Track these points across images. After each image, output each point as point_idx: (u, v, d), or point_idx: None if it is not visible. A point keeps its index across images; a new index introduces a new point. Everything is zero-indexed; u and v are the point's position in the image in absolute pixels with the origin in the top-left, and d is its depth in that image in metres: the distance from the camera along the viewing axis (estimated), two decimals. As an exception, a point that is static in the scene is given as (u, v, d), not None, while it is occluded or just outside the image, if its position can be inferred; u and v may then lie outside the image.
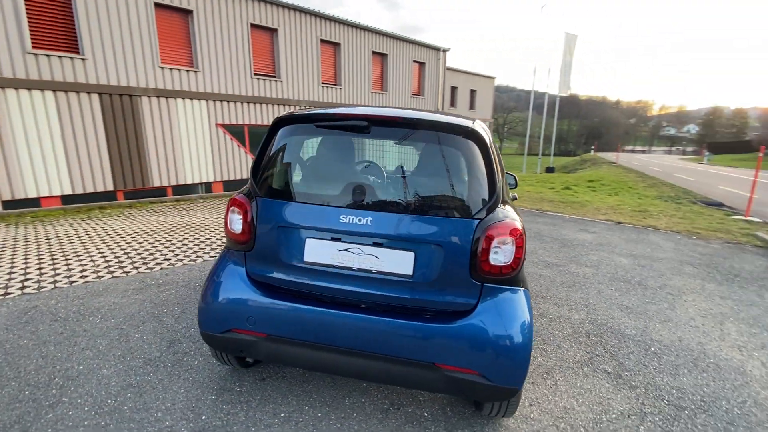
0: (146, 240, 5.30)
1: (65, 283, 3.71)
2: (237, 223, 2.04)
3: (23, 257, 4.53)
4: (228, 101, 10.97)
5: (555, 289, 4.06)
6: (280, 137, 2.07)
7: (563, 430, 2.08)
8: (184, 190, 10.51)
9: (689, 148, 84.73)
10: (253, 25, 11.19)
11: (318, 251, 1.92)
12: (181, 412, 2.07)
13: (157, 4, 9.24)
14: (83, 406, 2.08)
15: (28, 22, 7.64)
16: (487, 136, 1.96)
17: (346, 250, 1.88)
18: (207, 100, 10.53)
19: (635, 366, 2.71)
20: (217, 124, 10.86)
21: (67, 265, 4.24)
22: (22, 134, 7.79)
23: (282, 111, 12.34)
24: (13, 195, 7.82)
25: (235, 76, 10.98)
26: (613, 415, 2.20)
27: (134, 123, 9.28)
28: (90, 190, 8.82)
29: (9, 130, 7.62)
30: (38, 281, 3.76)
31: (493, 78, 26.22)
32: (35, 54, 7.73)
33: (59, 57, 8.04)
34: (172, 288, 3.64)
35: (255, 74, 11.48)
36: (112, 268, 4.14)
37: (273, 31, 11.79)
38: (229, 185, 11.42)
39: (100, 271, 4.05)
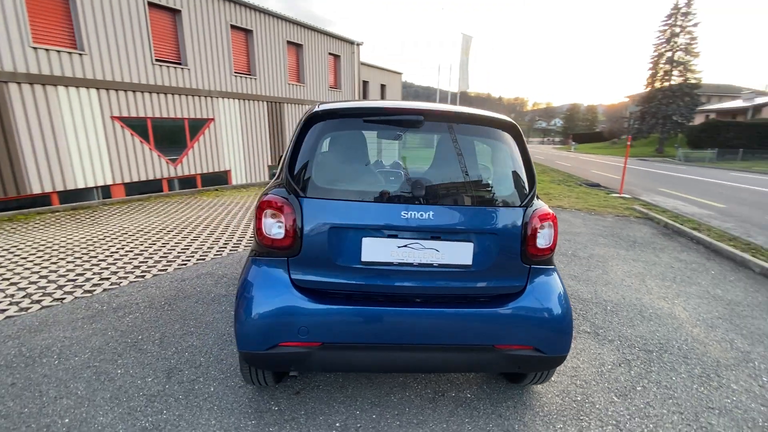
0: (62, 259, 4.35)
1: (-30, 323, 2.88)
2: (277, 227, 1.87)
3: None
4: (125, 90, 9.43)
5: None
6: (321, 132, 1.94)
7: (580, 385, 2.40)
8: (74, 197, 8.78)
9: (557, 139, 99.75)
10: (150, 4, 9.76)
11: (376, 250, 1.87)
12: (225, 444, 1.85)
13: (21, -32, 7.45)
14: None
15: None
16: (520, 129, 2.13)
17: (406, 246, 1.87)
18: (98, 88, 8.90)
19: (604, 323, 3.22)
20: (112, 117, 9.28)
21: (-42, 300, 3.28)
22: None
23: (191, 102, 11.10)
24: None
25: (132, 61, 9.47)
26: (609, 367, 2.62)
27: (0, 115, 7.41)
28: (-62, 202, 6.81)
29: None
30: (-76, 326, 2.84)
31: (401, 73, 27.24)
32: None
33: None
34: (133, 311, 3.10)
35: (156, 60, 10.07)
36: (35, 297, 3.33)
37: (175, 12, 10.45)
38: (133, 188, 9.91)
39: (20, 302, 3.22)
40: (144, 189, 10.14)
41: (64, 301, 3.27)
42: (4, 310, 3.07)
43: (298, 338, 1.82)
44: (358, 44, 17.56)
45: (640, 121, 35.80)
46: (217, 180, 12.21)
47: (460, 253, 1.90)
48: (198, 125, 11.49)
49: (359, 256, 1.87)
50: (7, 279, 3.73)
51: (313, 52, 15.39)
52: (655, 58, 34.50)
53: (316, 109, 1.96)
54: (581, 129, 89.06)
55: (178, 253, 4.67)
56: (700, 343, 2.95)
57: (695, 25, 32.32)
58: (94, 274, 3.91)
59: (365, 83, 23.06)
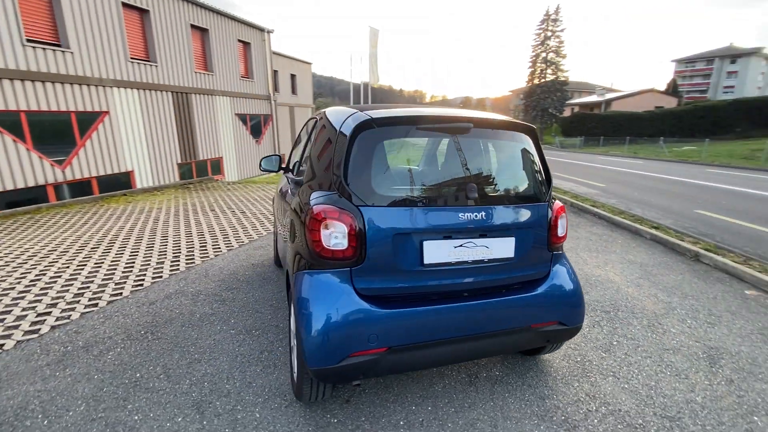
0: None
1: None
2: (338, 238, 1.84)
3: None
4: (-15, 77, 7.53)
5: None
6: (376, 138, 1.94)
7: (575, 349, 2.85)
8: None
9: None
10: (13, -31, 7.88)
11: (436, 252, 1.97)
12: (303, 466, 1.78)
13: None
14: None
15: None
16: None
17: (461, 245, 2.01)
18: (-55, 73, 6.95)
19: (567, 294, 3.80)
20: (-31, 111, 7.36)
21: None
22: None
23: (78, 92, 9.34)
24: None
25: (-9, 40, 7.58)
26: (587, 330, 3.13)
27: None
28: None
29: None
30: None
31: (310, 63, 26.52)
32: None
33: None
34: (110, 346, 2.64)
35: (28, 41, 8.21)
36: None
37: (48, -18, 8.61)
38: (5, 197, 8.04)
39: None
40: (23, 199, 8.30)
41: (3, 347, 2.63)
42: None
43: (368, 346, 1.84)
44: (268, 32, 16.60)
45: (524, 113, 40.91)
46: (118, 183, 10.56)
47: (505, 248, 2.10)
48: (89, 120, 9.75)
49: (421, 259, 1.94)
50: None
51: (221, 38, 14.11)
52: (533, 58, 39.69)
53: (369, 115, 1.95)
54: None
55: (124, 272, 4.04)
56: (638, 300, 3.69)
57: (562, 30, 38.05)
58: (24, 310, 3.18)
59: (274, 72, 21.92)
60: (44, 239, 5.30)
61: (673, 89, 51.65)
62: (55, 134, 9.02)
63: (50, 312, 3.15)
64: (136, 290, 3.61)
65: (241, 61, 15.56)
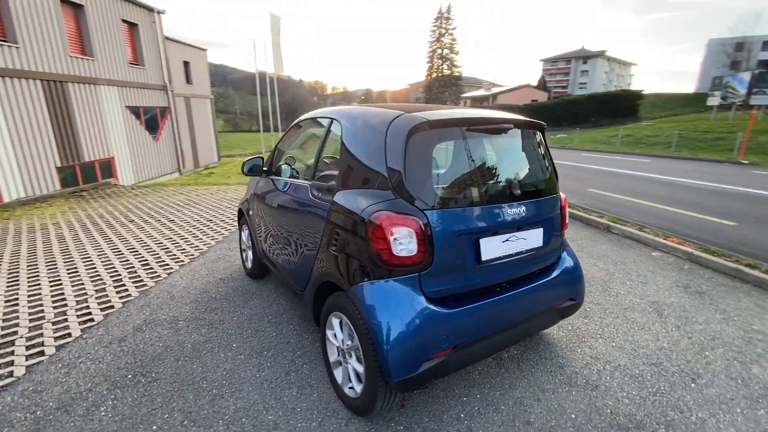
0: None
1: None
2: (408, 245, 1.83)
3: None
4: None
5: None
6: (431, 141, 1.93)
7: (569, 321, 3.25)
8: None
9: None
10: None
11: (490, 248, 2.07)
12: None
13: None
14: None
15: None
16: None
17: (507, 240, 2.14)
18: None
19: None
20: None
21: None
22: None
23: None
24: None
25: None
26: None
27: None
28: None
29: None
30: None
31: (205, 50, 24.03)
32: None
33: None
34: (97, 402, 2.13)
35: None
36: None
37: None
38: None
39: None
40: None
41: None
42: None
43: (440, 348, 1.87)
44: (159, 12, 14.53)
45: (426, 105, 43.41)
46: (-26, 196, 8.32)
47: (537, 238, 2.30)
48: None
49: (479, 256, 2.02)
50: None
51: (101, 16, 11.91)
52: (431, 54, 42.21)
53: (424, 117, 1.93)
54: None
55: (56, 307, 3.25)
56: (585, 270, 4.32)
57: (455, 28, 41.12)
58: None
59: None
60: None
61: (543, 85, 59.98)
62: None
63: (-25, 373, 2.41)
64: (90, 327, 2.96)
65: (129, 45, 13.34)
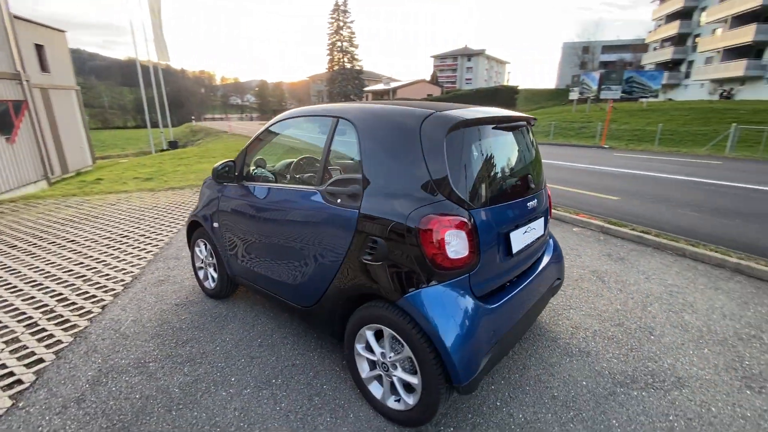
0: None
1: None
2: (461, 246, 1.83)
3: None
4: None
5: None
6: (468, 140, 1.92)
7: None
8: None
9: (254, 115, 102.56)
10: None
11: (517, 241, 2.18)
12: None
13: None
14: None
15: None
16: None
17: (525, 231, 2.27)
18: None
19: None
20: None
21: None
22: None
23: None
24: None
25: None
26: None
27: None
28: None
29: None
30: None
31: (64, 32, 19.87)
32: None
33: None
34: None
35: None
36: None
37: None
38: None
39: None
40: None
41: None
42: None
43: (490, 344, 1.92)
44: (-3, -19, 11.47)
45: (329, 99, 42.82)
46: None
47: (541, 227, 2.49)
48: None
49: (510, 249, 2.10)
50: None
51: None
52: (330, 46, 41.68)
53: (461, 116, 1.91)
54: (274, 105, 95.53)
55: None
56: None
57: (352, 22, 41.22)
58: None
59: (7, 41, 15.41)
60: None
61: (435, 80, 64.16)
62: None
63: None
64: (23, 392, 2.27)
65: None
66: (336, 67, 41.50)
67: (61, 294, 3.52)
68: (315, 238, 2.24)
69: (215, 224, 3.07)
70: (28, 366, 2.51)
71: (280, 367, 2.50)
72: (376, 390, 2.13)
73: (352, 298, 2.13)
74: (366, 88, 47.50)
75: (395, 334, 1.92)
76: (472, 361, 1.79)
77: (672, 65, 43.83)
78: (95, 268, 4.12)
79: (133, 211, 6.55)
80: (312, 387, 2.33)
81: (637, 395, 2.33)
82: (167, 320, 3.07)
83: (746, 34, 31.74)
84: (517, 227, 2.17)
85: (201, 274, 3.53)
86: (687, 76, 41.96)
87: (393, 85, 54.34)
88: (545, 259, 2.63)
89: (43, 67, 17.91)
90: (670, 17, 44.73)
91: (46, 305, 3.32)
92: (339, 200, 2.12)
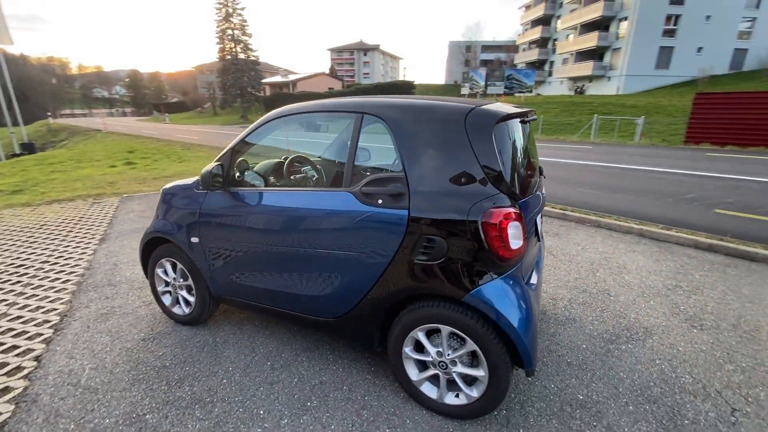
0: None
1: None
2: (518, 236, 1.92)
3: None
4: None
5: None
6: (507, 135, 1.99)
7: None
8: None
9: (128, 109, 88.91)
10: None
11: (539, 226, 2.34)
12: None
13: None
14: None
15: None
16: None
17: (532, 217, 2.45)
18: None
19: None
20: None
21: None
22: None
23: None
24: None
25: None
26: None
27: None
28: None
29: None
30: None
31: None
32: None
33: None
34: None
35: None
36: None
37: None
38: None
39: None
40: None
41: None
42: None
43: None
44: None
45: (223, 91, 39.34)
46: None
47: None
48: None
49: (539, 234, 2.27)
50: None
51: None
52: (220, 34, 38.08)
53: (505, 111, 1.97)
54: (152, 98, 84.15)
55: None
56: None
57: (243, 9, 38.20)
58: None
59: None
60: None
61: (335, 73, 63.80)
62: None
63: None
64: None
65: None
66: (228, 57, 38.16)
67: (-40, 352, 2.64)
68: (349, 243, 2.09)
69: (193, 239, 2.63)
70: (-40, 456, 1.85)
71: (308, 388, 2.29)
72: (429, 391, 2.11)
73: (398, 301, 2.06)
74: (264, 80, 44.85)
75: (455, 331, 1.92)
76: (535, 345, 1.90)
77: (538, 64, 50.93)
78: (21, 311, 3.18)
79: (16, 233, 5.19)
80: (353, 402, 2.19)
81: (626, 348, 2.73)
82: (142, 360, 2.55)
83: (591, 40, 38.48)
84: (537, 213, 2.34)
85: (167, 299, 2.99)
86: (550, 74, 49.24)
87: (292, 77, 52.37)
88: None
89: None
90: (534, 23, 51.78)
91: (-55, 370, 2.46)
92: (380, 201, 2.01)
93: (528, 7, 54.25)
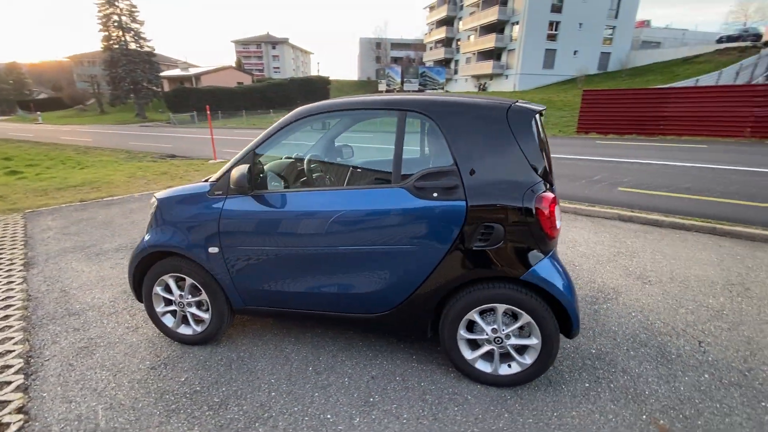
0: None
1: None
2: (559, 218, 2.19)
3: None
4: None
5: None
6: (538, 128, 2.21)
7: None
8: None
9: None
10: None
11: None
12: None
13: None
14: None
15: None
16: None
17: None
18: None
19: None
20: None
21: None
22: None
23: None
24: None
25: None
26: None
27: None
28: None
29: None
30: None
31: None
32: None
33: None
34: None
35: None
36: None
37: None
38: None
39: None
40: None
41: None
42: None
43: None
44: None
45: (112, 86, 34.32)
46: None
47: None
48: None
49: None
50: None
51: None
52: (104, 20, 33.00)
53: (539, 106, 2.19)
54: (13, 94, 69.82)
55: None
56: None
57: (129, -8, 33.58)
58: None
59: None
60: None
61: (242, 67, 59.97)
62: None
63: None
64: None
65: None
66: (116, 47, 33.25)
67: None
68: (403, 237, 2.15)
69: (211, 249, 2.41)
70: None
71: (363, 385, 2.30)
72: (483, 366, 2.28)
73: (454, 288, 2.19)
74: (163, 74, 40.19)
75: (510, 308, 2.12)
76: (578, 309, 2.19)
77: (445, 63, 54.30)
78: (-75, 364, 2.52)
79: None
80: (413, 389, 2.27)
81: (607, 307, 3.24)
82: (164, 389, 2.27)
83: (490, 41, 42.22)
84: None
85: (169, 320, 2.69)
86: (456, 72, 52.85)
87: (194, 71, 47.91)
88: None
89: None
90: (439, 23, 54.97)
91: None
92: (435, 194, 2.10)
93: (432, 7, 57.32)
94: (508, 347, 2.23)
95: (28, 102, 54.77)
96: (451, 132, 2.14)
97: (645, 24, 47.27)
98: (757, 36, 32.72)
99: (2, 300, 3.36)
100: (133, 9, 33.97)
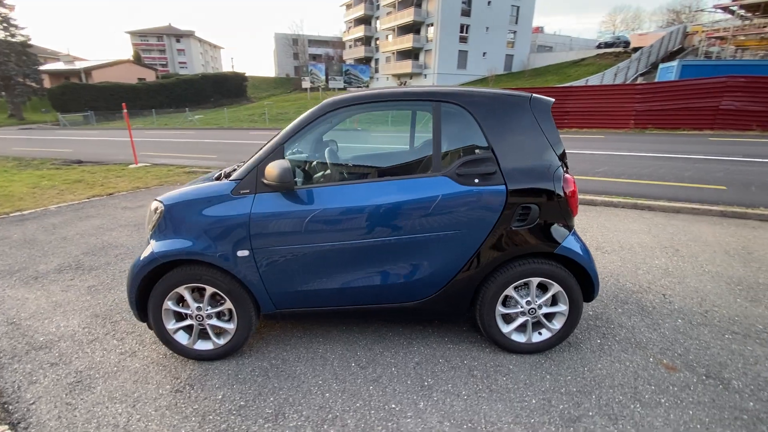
0: None
1: None
2: (578, 197, 2.46)
3: None
4: None
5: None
6: (552, 116, 2.45)
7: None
8: None
9: None
10: None
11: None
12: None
13: None
14: None
15: None
16: None
17: None
18: None
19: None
20: None
21: None
22: None
23: None
24: None
25: None
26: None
27: None
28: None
29: None
30: None
31: None
32: None
33: None
34: None
35: None
36: None
37: None
38: None
39: None
40: None
41: None
42: None
43: None
44: None
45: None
46: None
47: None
48: None
49: None
50: None
51: None
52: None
53: (550, 98, 2.42)
54: None
55: None
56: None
57: (-11, -32, 27.73)
58: None
59: None
60: None
61: (140, 60, 53.71)
62: None
63: None
64: None
65: None
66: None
67: None
68: (448, 223, 2.23)
69: (240, 253, 2.23)
70: None
71: (412, 372, 2.35)
72: (518, 337, 2.48)
73: (492, 267, 2.34)
74: (44, 67, 34.12)
75: (543, 280, 2.35)
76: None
77: (366, 61, 54.87)
78: None
79: None
80: (459, 368, 2.38)
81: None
82: (202, 411, 2.06)
83: (407, 41, 43.72)
84: None
85: (182, 337, 2.42)
86: (377, 71, 53.77)
87: (82, 64, 41.65)
88: None
89: None
90: (357, 21, 55.28)
91: None
92: (476, 180, 2.22)
93: (349, 6, 57.40)
94: (541, 316, 2.45)
95: None
96: (486, 120, 2.27)
97: (540, 30, 53.04)
98: (627, 43, 38.84)
99: (-73, 344, 2.69)
100: (-2, -9, 28.26)
